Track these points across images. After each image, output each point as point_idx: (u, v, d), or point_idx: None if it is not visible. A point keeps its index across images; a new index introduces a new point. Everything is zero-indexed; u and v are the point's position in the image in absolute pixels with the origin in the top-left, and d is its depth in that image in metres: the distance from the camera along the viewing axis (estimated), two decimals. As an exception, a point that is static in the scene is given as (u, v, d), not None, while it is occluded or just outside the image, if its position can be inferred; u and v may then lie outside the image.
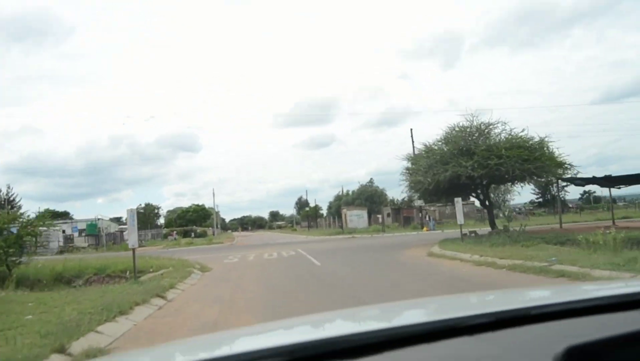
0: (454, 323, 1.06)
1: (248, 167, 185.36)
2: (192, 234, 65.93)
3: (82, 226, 54.94)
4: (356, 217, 63.72)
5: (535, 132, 26.23)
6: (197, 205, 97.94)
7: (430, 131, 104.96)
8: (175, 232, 66.95)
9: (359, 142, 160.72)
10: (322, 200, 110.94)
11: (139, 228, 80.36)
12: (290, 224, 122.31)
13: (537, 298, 1.62)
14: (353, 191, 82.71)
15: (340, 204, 79.62)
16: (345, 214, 67.00)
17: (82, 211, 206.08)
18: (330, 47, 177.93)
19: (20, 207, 76.61)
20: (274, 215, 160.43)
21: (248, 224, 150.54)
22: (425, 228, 40.43)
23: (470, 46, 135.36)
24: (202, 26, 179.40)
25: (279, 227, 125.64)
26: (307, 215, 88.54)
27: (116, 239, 47.88)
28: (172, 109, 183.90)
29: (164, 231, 71.08)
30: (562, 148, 29.90)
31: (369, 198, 79.42)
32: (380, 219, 68.19)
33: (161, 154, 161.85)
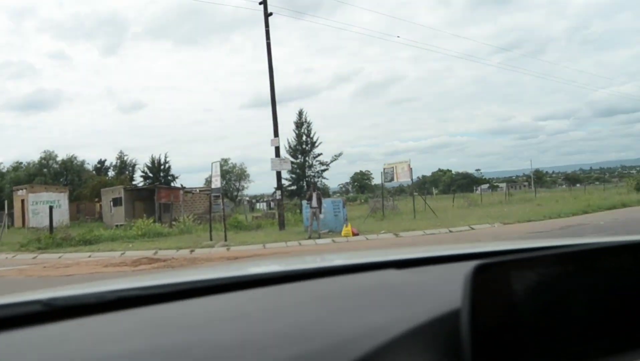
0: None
1: None
2: None
3: None
4: (44, 205, 32.18)
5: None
6: None
7: (84, 121, 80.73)
8: None
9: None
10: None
11: None
12: None
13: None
14: (26, 163, 48.29)
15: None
16: (24, 201, 34.61)
17: None
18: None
19: None
20: None
21: None
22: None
23: (134, 35, 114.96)
24: None
25: None
26: None
27: None
28: None
29: None
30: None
31: (57, 175, 46.88)
32: (95, 210, 38.47)
33: None
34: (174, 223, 21.94)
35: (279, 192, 19.19)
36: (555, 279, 0.85)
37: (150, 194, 33.34)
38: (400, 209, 26.89)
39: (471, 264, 0.78)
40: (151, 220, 21.73)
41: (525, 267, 0.84)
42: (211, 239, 14.88)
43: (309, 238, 15.47)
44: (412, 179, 24.25)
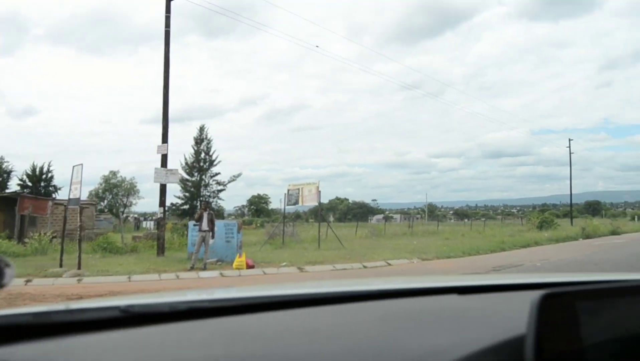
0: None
1: None
2: None
3: None
4: None
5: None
6: None
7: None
8: None
9: None
10: None
11: None
12: None
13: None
14: None
15: None
16: None
17: None
18: None
19: None
20: None
21: None
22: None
23: (35, 37, 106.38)
24: None
25: None
26: None
27: None
28: None
29: None
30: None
31: None
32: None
33: None
34: (26, 240, 17.75)
35: (161, 209, 15.81)
36: (622, 312, 0.85)
37: (13, 204, 28.18)
38: (300, 237, 24.38)
39: (536, 293, 0.77)
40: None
41: (592, 298, 0.84)
42: (61, 266, 11.37)
43: (192, 268, 12.44)
44: (320, 203, 21.91)
